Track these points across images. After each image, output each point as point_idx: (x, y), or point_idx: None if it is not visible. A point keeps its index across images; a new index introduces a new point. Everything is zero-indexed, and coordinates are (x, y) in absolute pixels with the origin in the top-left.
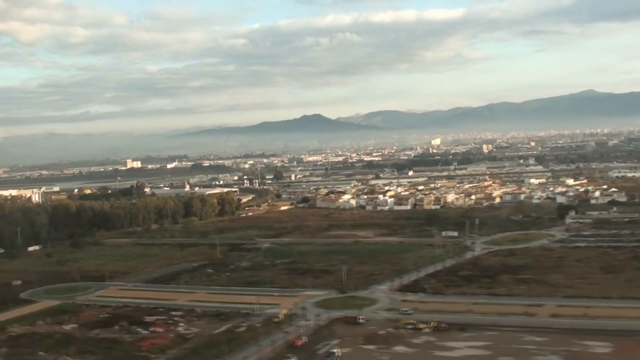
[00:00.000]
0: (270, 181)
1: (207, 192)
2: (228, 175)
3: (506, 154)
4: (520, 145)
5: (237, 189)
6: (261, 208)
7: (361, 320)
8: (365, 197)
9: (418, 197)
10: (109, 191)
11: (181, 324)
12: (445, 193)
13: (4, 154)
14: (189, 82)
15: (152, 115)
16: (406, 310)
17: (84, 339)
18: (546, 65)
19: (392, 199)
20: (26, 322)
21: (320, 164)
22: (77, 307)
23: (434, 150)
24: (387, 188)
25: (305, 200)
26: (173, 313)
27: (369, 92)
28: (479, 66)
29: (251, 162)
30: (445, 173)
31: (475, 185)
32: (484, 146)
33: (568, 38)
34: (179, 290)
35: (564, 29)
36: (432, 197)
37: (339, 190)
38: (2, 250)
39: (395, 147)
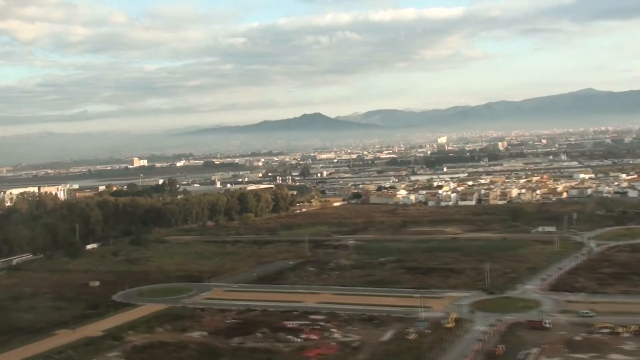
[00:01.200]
0: (298, 178)
1: (249, 188)
2: (249, 172)
3: (524, 150)
4: (531, 142)
5: (272, 185)
6: (313, 204)
7: (547, 325)
8: (425, 192)
9: (482, 192)
10: (139, 188)
11: (333, 330)
12: (507, 188)
13: (2, 153)
14: (187, 81)
15: (150, 114)
16: (586, 313)
17: (230, 349)
18: (545, 63)
19: (454, 194)
20: (141, 329)
21: (336, 162)
22: (192, 312)
23: (449, 148)
24: (437, 184)
25: (357, 196)
26: (313, 317)
27: (367, 91)
28: (478, 65)
29: (263, 159)
30: (481, 169)
31: (528, 180)
32: (499, 144)
33: (567, 36)
34: (297, 291)
35: (563, 27)
36: (498, 192)
37: (387, 186)
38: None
39: (402, 145)
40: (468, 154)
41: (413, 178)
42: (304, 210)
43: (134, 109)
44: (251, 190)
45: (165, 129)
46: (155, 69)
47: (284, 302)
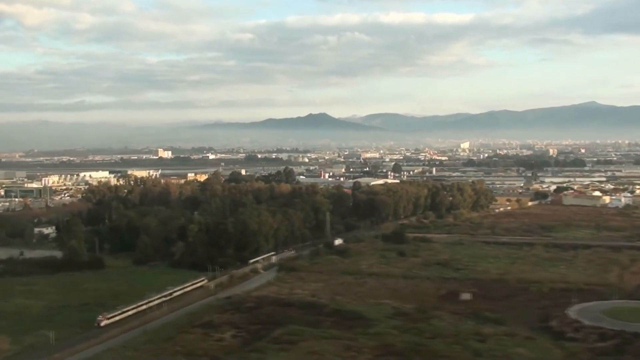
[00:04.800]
0: (396, 175)
1: (372, 183)
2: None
3: (585, 159)
4: (572, 151)
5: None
6: (502, 204)
7: None
8: (630, 195)
9: None
10: (257, 176)
11: None
12: None
13: None
14: (188, 75)
15: (147, 107)
16: None
17: None
18: (550, 75)
19: None
20: None
21: (389, 161)
22: None
23: (504, 152)
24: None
25: (543, 196)
26: None
27: (369, 95)
28: (482, 73)
29: (310, 155)
30: (597, 176)
31: None
32: (551, 150)
33: (574, 48)
34: None
35: (572, 39)
36: None
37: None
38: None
39: (435, 149)
40: (526, 159)
41: (548, 180)
42: (501, 209)
43: (132, 101)
44: (455, 184)
45: (163, 123)
46: (157, 62)
47: None
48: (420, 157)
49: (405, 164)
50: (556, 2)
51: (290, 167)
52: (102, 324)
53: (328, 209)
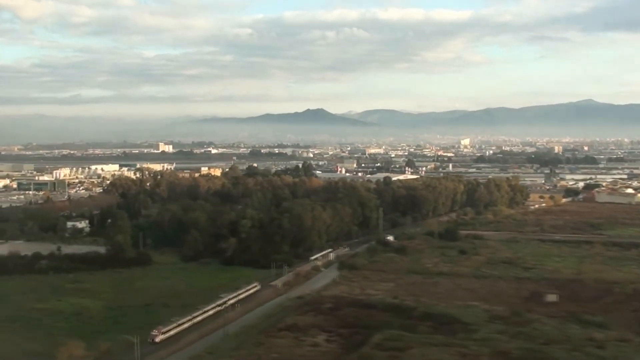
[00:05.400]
0: (412, 170)
1: (400, 178)
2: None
3: (595, 155)
4: (575, 149)
5: (417, 176)
6: (535, 200)
7: None
8: None
9: None
10: (274, 170)
11: None
12: None
13: None
14: (185, 70)
15: (144, 102)
16: None
17: None
18: (547, 72)
19: None
20: None
21: (395, 157)
22: None
23: (511, 149)
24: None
25: (575, 193)
26: None
27: (365, 90)
28: (479, 70)
29: (314, 150)
30: (616, 173)
31: None
32: (556, 147)
33: (572, 46)
34: None
35: (570, 37)
36: None
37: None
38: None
39: (435, 145)
40: (533, 156)
41: (570, 177)
42: (536, 206)
43: (128, 95)
44: (490, 180)
45: (159, 117)
46: (154, 56)
47: None
48: (424, 153)
49: (414, 160)
50: None
51: (309, 162)
52: (157, 339)
53: (375, 205)
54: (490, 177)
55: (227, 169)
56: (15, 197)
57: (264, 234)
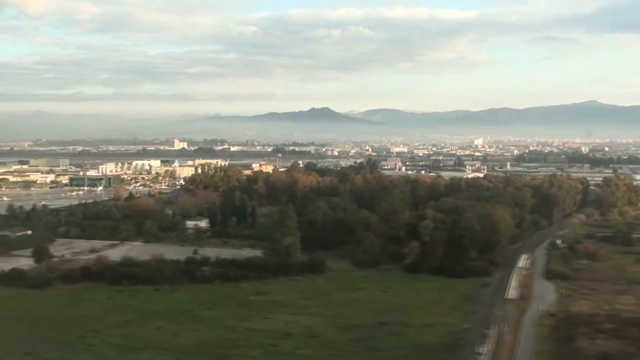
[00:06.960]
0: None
1: (468, 176)
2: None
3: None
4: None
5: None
6: None
7: None
8: None
9: None
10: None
11: None
12: None
13: None
14: (187, 68)
15: (146, 100)
16: None
17: None
18: (551, 73)
19: None
20: None
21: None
22: None
23: (536, 148)
24: None
25: None
26: None
27: (368, 90)
28: (482, 70)
29: (339, 149)
30: None
31: None
32: (582, 148)
33: (577, 47)
34: None
35: (575, 38)
36: None
37: None
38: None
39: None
40: (563, 156)
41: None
42: None
43: (129, 93)
44: (609, 179)
45: (162, 115)
46: (157, 54)
47: None
48: (444, 151)
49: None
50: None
51: (373, 159)
52: None
53: (531, 205)
54: (558, 175)
55: (276, 165)
56: (74, 194)
57: (449, 237)
